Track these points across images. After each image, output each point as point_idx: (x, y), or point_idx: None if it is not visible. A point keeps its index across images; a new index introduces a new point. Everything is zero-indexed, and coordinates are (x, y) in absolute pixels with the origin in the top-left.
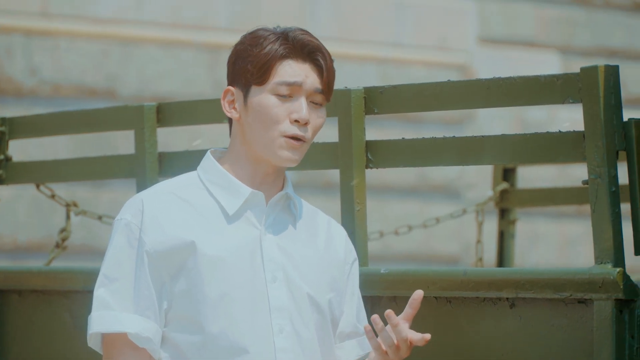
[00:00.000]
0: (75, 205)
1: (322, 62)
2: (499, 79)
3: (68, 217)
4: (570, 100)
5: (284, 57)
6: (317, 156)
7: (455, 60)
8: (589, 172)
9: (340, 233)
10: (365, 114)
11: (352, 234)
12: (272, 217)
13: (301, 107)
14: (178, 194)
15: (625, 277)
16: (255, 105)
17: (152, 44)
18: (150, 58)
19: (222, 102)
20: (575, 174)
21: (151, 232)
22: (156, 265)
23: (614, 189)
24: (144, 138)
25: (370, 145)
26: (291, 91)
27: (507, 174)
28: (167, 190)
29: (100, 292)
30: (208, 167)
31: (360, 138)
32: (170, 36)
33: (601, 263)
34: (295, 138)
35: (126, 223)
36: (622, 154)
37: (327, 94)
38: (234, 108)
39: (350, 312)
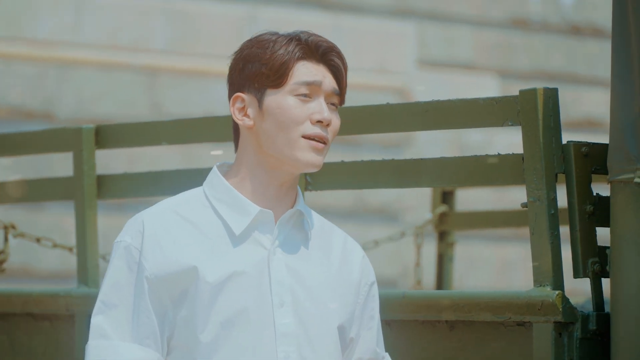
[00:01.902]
0: (13, 227)
1: (338, 62)
2: (438, 101)
3: (6, 239)
4: (510, 123)
5: (300, 58)
6: None
7: (394, 83)
8: (528, 195)
9: (357, 253)
10: None
11: None
12: (283, 236)
13: (322, 107)
14: (181, 213)
15: (565, 300)
16: (273, 108)
17: (90, 66)
18: (87, 80)
19: (231, 109)
20: (514, 196)
21: (151, 256)
22: (157, 291)
23: (553, 211)
24: (83, 160)
25: None
26: (310, 91)
27: (446, 197)
28: (170, 209)
29: (97, 320)
30: (214, 182)
31: None
32: (107, 58)
33: (540, 286)
34: (318, 139)
35: (125, 246)
36: (561, 176)
37: (343, 95)
38: (246, 115)
39: (370, 336)
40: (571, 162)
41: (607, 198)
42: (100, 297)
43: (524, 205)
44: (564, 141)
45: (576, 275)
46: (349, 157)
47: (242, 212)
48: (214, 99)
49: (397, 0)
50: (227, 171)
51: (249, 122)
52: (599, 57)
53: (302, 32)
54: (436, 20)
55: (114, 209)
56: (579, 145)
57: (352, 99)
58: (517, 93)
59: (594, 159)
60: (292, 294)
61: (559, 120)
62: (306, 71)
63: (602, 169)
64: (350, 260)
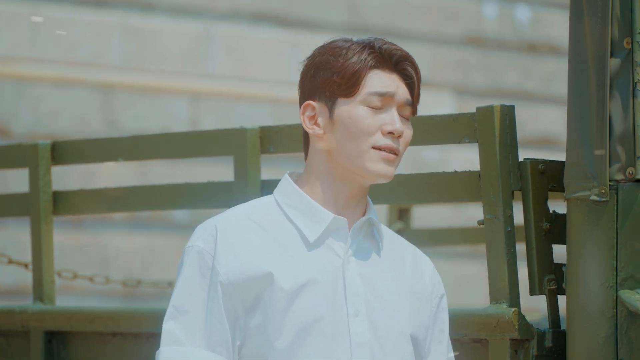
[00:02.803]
0: None
1: (412, 72)
2: None
3: None
4: (467, 140)
5: (373, 67)
6: (211, 195)
7: None
8: (485, 212)
9: (427, 264)
10: (261, 153)
11: None
12: (355, 244)
13: (394, 118)
14: (254, 219)
15: (521, 317)
16: (344, 117)
17: (46, 82)
18: (43, 96)
19: (301, 117)
20: (471, 214)
21: (225, 261)
22: (230, 297)
23: (509, 228)
24: (39, 176)
25: (265, 184)
26: (382, 102)
27: (402, 214)
28: (242, 215)
29: (169, 325)
30: (287, 190)
31: (255, 177)
32: (63, 74)
33: (496, 303)
34: (389, 150)
35: (198, 250)
36: (518, 193)
37: (415, 106)
38: (316, 124)
39: (441, 350)
40: (528, 180)
41: (563, 215)
42: (173, 302)
43: (481, 222)
44: (521, 158)
45: (532, 292)
46: None
47: (315, 219)
48: (169, 115)
49: (353, 17)
50: (297, 179)
51: (319, 130)
52: (554, 75)
53: (376, 39)
54: (392, 38)
55: (69, 226)
56: (535, 162)
57: None
58: (473, 110)
59: (550, 176)
60: (367, 304)
61: (516, 137)
62: (379, 81)
63: (558, 187)
64: (421, 271)
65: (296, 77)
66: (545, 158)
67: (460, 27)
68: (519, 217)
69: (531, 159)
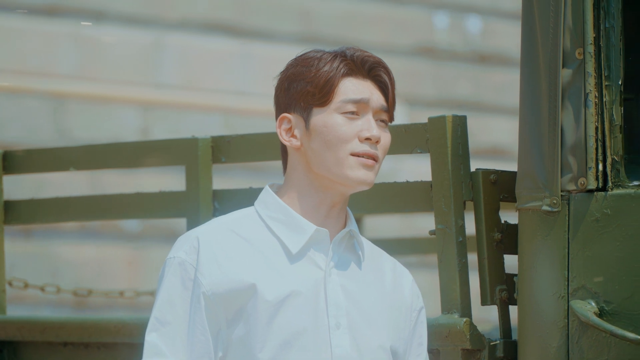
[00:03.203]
0: None
1: (385, 78)
2: None
3: None
4: (419, 151)
5: (345, 74)
6: (162, 205)
7: None
8: (436, 222)
9: (407, 277)
10: (213, 163)
11: None
12: (337, 256)
13: (370, 124)
14: (236, 230)
15: (472, 327)
16: (319, 126)
17: None
18: None
19: (277, 130)
20: (422, 224)
21: (208, 273)
22: (213, 309)
23: (461, 239)
24: None
25: (217, 194)
26: (358, 109)
27: None
28: (223, 227)
29: (151, 337)
30: (268, 201)
31: (207, 187)
32: (14, 83)
33: (448, 313)
34: (367, 156)
35: (180, 262)
36: (470, 204)
37: (392, 111)
38: (293, 136)
39: None
40: (479, 190)
41: (515, 226)
42: (154, 313)
43: (432, 232)
44: (472, 169)
45: (484, 302)
46: (256, 183)
47: (298, 231)
48: (120, 124)
49: (305, 27)
50: (277, 191)
51: (296, 142)
52: (505, 85)
53: (348, 48)
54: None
55: (20, 235)
56: (487, 172)
57: (259, 126)
58: (424, 120)
59: (502, 186)
60: (348, 316)
61: (468, 147)
62: (353, 88)
63: (510, 197)
64: (401, 284)
65: (247, 87)
66: (497, 168)
67: (411, 38)
68: (470, 227)
69: (483, 169)
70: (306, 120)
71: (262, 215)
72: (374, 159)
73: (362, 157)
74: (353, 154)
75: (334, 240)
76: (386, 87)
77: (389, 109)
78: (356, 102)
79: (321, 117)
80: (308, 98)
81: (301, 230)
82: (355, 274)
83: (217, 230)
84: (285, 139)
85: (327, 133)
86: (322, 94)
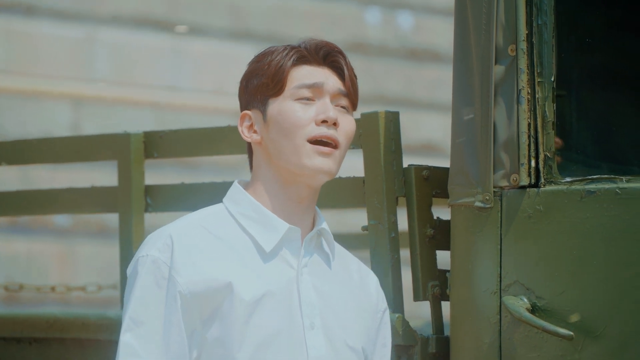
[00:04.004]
0: None
1: (342, 63)
2: None
3: None
4: (351, 147)
5: (298, 62)
6: (94, 200)
7: (232, 106)
8: (369, 218)
9: (372, 278)
10: (145, 158)
11: None
12: (308, 256)
13: (326, 107)
14: (208, 227)
15: (404, 323)
16: (275, 115)
17: None
18: None
19: (239, 129)
20: (354, 220)
21: (184, 271)
22: (189, 308)
23: (393, 234)
24: None
25: (149, 190)
26: (312, 94)
27: None
28: (196, 224)
29: (126, 338)
30: (238, 199)
31: (139, 182)
32: None
33: None
34: (323, 142)
35: (153, 260)
36: (402, 199)
37: (353, 97)
38: (254, 132)
39: None
40: (412, 186)
41: (447, 222)
42: (129, 313)
43: (365, 228)
44: (405, 165)
45: (416, 298)
46: (189, 179)
47: (270, 228)
48: (51, 119)
49: (236, 23)
50: (244, 188)
51: (256, 137)
52: (437, 82)
53: (304, 39)
54: (275, 43)
55: None
56: (419, 168)
57: (190, 121)
58: (357, 116)
59: (434, 182)
60: (322, 316)
61: (400, 143)
62: (306, 74)
63: (442, 193)
64: (367, 284)
65: (179, 82)
66: (429, 164)
67: (343, 33)
68: (403, 223)
69: (415, 165)
70: (263, 112)
71: (232, 212)
72: (334, 143)
73: (320, 141)
74: (310, 140)
75: (305, 239)
76: (343, 72)
77: (349, 93)
78: (309, 86)
79: (276, 106)
80: (263, 90)
81: (274, 228)
82: (326, 273)
83: (189, 228)
84: (246, 135)
85: (282, 121)
86: (275, 83)
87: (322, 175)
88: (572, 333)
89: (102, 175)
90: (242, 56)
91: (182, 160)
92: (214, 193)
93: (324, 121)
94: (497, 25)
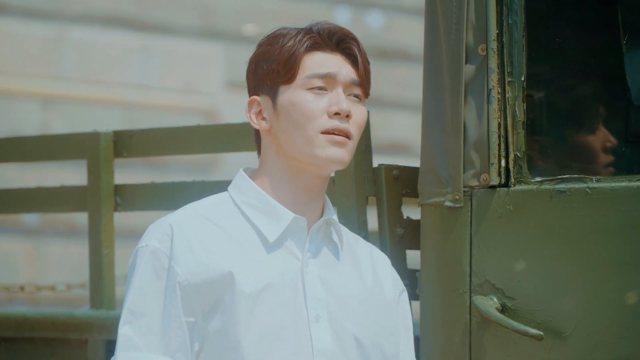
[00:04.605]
0: None
1: (355, 50)
2: (249, 123)
3: None
4: None
5: (310, 48)
6: (64, 199)
7: (201, 105)
8: (339, 218)
9: (384, 263)
10: (115, 157)
11: (99, 279)
12: (314, 246)
13: (339, 98)
14: (210, 217)
15: None
16: (286, 105)
17: None
18: None
19: (248, 115)
20: None
21: (184, 262)
22: (189, 300)
23: (363, 234)
24: None
25: (119, 189)
26: (325, 84)
27: None
28: (197, 214)
29: (125, 330)
30: (243, 187)
31: (109, 181)
32: None
33: None
34: (338, 132)
35: (152, 250)
36: (372, 199)
37: (365, 86)
38: (263, 119)
39: (409, 349)
40: (382, 185)
41: (417, 221)
42: (127, 305)
43: None
44: (375, 164)
45: None
46: (158, 178)
47: (275, 218)
48: (20, 118)
49: (205, 22)
50: (251, 177)
51: (265, 125)
52: (407, 81)
53: (317, 22)
54: (244, 42)
55: None
56: (390, 168)
57: (159, 120)
58: None
59: (404, 182)
60: (328, 308)
61: (370, 142)
62: (319, 62)
63: (412, 192)
64: (380, 272)
65: (148, 81)
66: (399, 164)
67: None
68: (373, 223)
69: (385, 164)
70: (273, 100)
71: (236, 201)
72: (347, 135)
73: (333, 133)
74: (323, 132)
75: (312, 229)
76: (356, 60)
77: (362, 82)
78: (322, 76)
79: (287, 95)
80: (274, 76)
81: (278, 217)
82: (333, 264)
83: (190, 218)
84: (254, 122)
85: (293, 111)
86: (286, 70)
87: (335, 165)
88: (541, 333)
89: (72, 174)
90: (211, 55)
91: (152, 159)
92: (183, 192)
93: (337, 113)
94: (467, 24)
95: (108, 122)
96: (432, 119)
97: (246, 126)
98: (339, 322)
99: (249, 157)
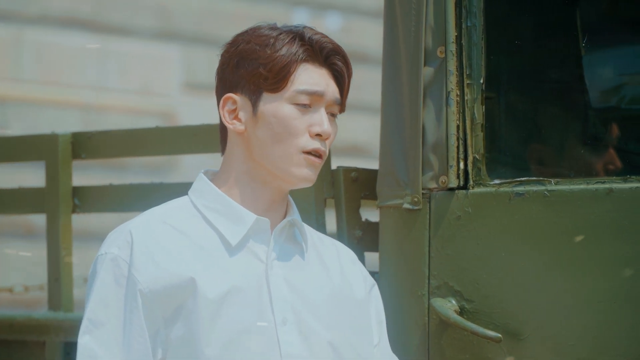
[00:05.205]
0: None
1: (343, 67)
2: (207, 125)
3: None
4: None
5: (303, 60)
6: (22, 201)
7: (159, 107)
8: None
9: (351, 259)
10: (73, 159)
11: (57, 281)
12: (278, 247)
13: (322, 119)
14: (170, 222)
15: None
16: (269, 115)
17: None
18: None
19: (220, 111)
20: None
21: (144, 269)
22: (151, 307)
23: None
24: None
25: (77, 191)
26: (311, 101)
27: None
28: (158, 219)
29: (85, 340)
30: (204, 190)
31: (67, 183)
32: None
33: None
34: (316, 153)
35: (112, 258)
36: (330, 201)
37: (344, 104)
38: (237, 118)
39: (385, 344)
40: (340, 187)
41: (375, 223)
42: (87, 314)
43: None
44: (334, 166)
45: None
46: (116, 180)
47: (237, 221)
48: None
49: (163, 23)
50: (213, 179)
51: (240, 126)
52: (365, 83)
53: (304, 27)
54: (202, 44)
55: None
56: (348, 170)
57: (117, 122)
58: None
59: (363, 184)
60: (294, 310)
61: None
62: (308, 78)
63: (371, 195)
64: (348, 269)
65: (105, 82)
66: (357, 166)
67: None
68: (331, 225)
69: (344, 167)
70: (254, 104)
71: (197, 205)
72: (322, 156)
73: (312, 154)
74: (302, 151)
75: (275, 230)
76: (342, 78)
77: (342, 101)
78: (311, 94)
79: (272, 106)
80: (260, 81)
81: (240, 220)
82: (299, 265)
83: (151, 224)
84: (228, 121)
85: (276, 124)
86: (277, 80)
87: (306, 184)
88: (500, 335)
89: (30, 176)
90: (169, 57)
91: (110, 161)
92: (142, 194)
93: (318, 134)
94: (426, 27)
95: (66, 124)
96: (391, 121)
97: (204, 128)
98: (307, 324)
99: (208, 159)
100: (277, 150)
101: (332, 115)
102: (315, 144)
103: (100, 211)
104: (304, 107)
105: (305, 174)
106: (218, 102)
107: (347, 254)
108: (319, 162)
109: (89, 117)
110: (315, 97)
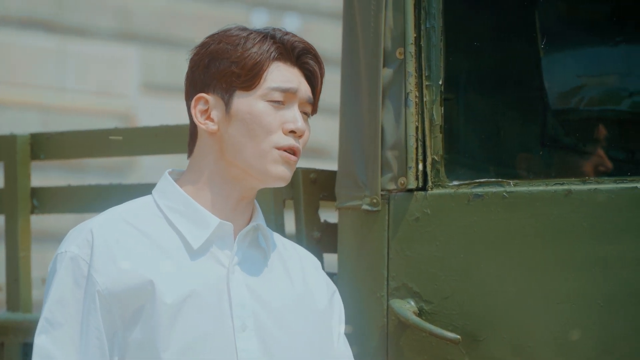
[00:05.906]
0: None
1: (315, 67)
2: (167, 126)
3: None
4: None
5: (275, 59)
6: None
7: (118, 107)
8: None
9: (315, 266)
10: (32, 160)
11: (16, 281)
12: (241, 252)
13: (296, 117)
14: (132, 222)
15: None
16: (242, 113)
17: None
18: None
19: (192, 111)
20: None
21: (104, 269)
22: (109, 309)
23: None
24: None
25: (36, 192)
26: (284, 98)
27: None
28: (119, 219)
29: (41, 340)
30: (168, 191)
31: (25, 184)
32: None
33: None
34: (291, 150)
35: (72, 257)
36: (289, 202)
37: (317, 104)
38: (209, 118)
39: (346, 350)
40: (299, 188)
41: (335, 225)
42: (44, 314)
43: None
44: None
45: None
46: (75, 181)
47: (200, 224)
48: None
49: (123, 24)
50: (179, 179)
51: (212, 126)
52: (324, 85)
53: (274, 29)
54: (160, 45)
55: None
56: (307, 171)
57: (75, 123)
58: None
59: (322, 185)
60: (255, 317)
61: None
62: (280, 76)
63: (330, 196)
64: (311, 277)
65: (64, 83)
66: (315, 167)
67: None
68: (290, 226)
69: (303, 168)
70: (227, 103)
71: (160, 205)
72: (296, 154)
73: (286, 151)
74: (278, 148)
75: (239, 235)
76: (314, 77)
77: (315, 101)
78: (284, 91)
79: (245, 103)
80: (232, 79)
81: (204, 223)
82: (261, 271)
83: (112, 222)
84: (200, 121)
85: (250, 121)
86: (249, 77)
87: (281, 182)
88: (459, 337)
89: None
90: (128, 57)
91: (69, 162)
92: (100, 195)
93: (292, 131)
94: (385, 28)
95: (24, 125)
96: (350, 122)
97: (164, 129)
98: (267, 330)
99: (166, 160)
100: (251, 147)
101: (305, 114)
102: (289, 141)
103: (59, 212)
104: (278, 104)
105: (280, 172)
106: (188, 105)
107: (309, 261)
108: (294, 160)
109: (48, 117)
110: (288, 95)
